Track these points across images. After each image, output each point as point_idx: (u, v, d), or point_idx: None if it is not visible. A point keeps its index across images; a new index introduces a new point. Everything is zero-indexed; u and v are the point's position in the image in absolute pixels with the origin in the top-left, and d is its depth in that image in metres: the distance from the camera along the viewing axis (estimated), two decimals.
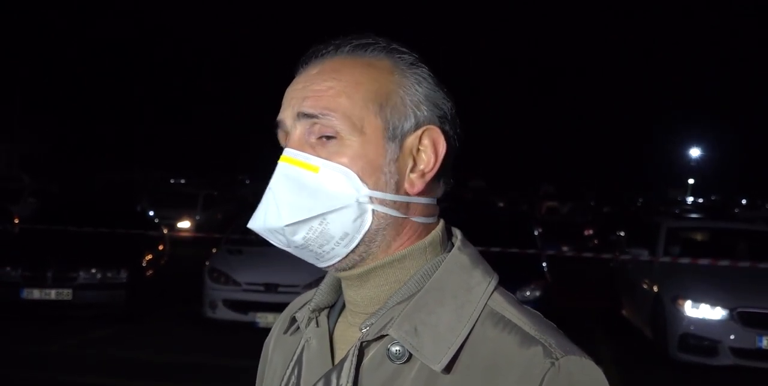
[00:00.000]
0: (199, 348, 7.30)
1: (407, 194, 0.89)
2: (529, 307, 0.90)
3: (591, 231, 19.95)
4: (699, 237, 9.55)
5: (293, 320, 0.99)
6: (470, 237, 0.96)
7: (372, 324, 0.86)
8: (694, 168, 60.23)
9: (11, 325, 7.97)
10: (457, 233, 0.95)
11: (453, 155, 0.92)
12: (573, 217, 23.42)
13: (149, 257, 9.34)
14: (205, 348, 7.33)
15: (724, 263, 7.55)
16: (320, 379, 0.88)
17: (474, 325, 0.85)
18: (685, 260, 7.76)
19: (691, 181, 58.14)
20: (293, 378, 0.94)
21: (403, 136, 0.88)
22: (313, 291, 1.04)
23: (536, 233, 9.18)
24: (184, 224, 18.03)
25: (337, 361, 0.90)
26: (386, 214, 0.87)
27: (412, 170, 0.89)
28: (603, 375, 0.84)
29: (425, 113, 0.89)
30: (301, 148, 0.88)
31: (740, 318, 6.92)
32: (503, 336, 0.84)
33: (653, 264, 8.15)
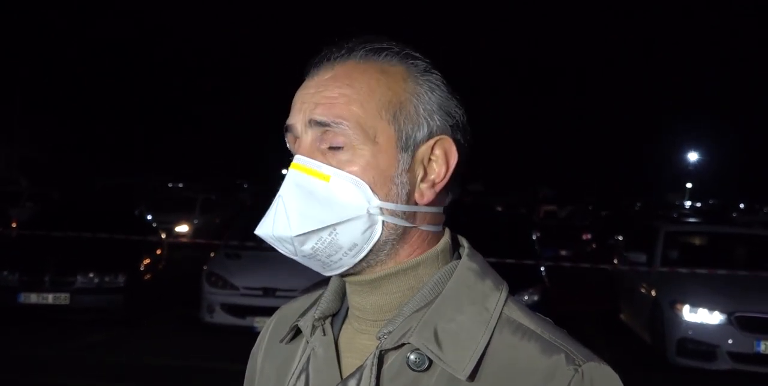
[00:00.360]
0: (196, 353, 7.28)
1: (416, 204, 0.88)
2: (540, 314, 0.90)
3: (589, 236, 19.98)
4: (697, 241, 9.56)
5: (294, 328, 0.97)
6: (469, 240, 0.96)
7: (390, 332, 0.85)
8: (692, 172, 60.30)
9: (9, 330, 7.95)
10: (463, 241, 0.95)
11: (464, 164, 0.91)
12: (571, 221, 23.46)
13: (147, 261, 9.33)
14: (203, 352, 7.32)
15: (722, 272, 7.54)
16: None
17: (493, 332, 0.84)
18: (682, 270, 7.75)
19: (689, 185, 58.19)
20: None
21: (416, 146, 0.87)
22: (304, 297, 1.03)
23: (534, 237, 9.18)
24: (182, 228, 18.01)
25: (345, 369, 0.89)
26: (395, 225, 0.86)
27: (422, 180, 0.88)
28: (621, 382, 0.85)
29: (438, 122, 0.88)
30: (311, 155, 0.86)
31: (738, 322, 6.92)
32: (523, 343, 0.84)
33: (651, 269, 8.15)
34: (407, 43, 0.92)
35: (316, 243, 0.85)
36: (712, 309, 7.04)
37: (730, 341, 6.90)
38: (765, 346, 6.80)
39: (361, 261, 0.87)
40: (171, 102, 42.15)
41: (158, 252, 9.99)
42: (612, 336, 8.88)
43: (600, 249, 17.81)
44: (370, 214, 0.85)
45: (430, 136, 0.88)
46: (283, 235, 0.85)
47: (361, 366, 0.86)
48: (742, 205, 48.15)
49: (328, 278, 0.96)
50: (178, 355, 7.16)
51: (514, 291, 0.90)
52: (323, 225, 0.84)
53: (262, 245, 8.26)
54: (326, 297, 0.96)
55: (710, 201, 55.20)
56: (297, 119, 0.88)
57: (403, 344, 0.84)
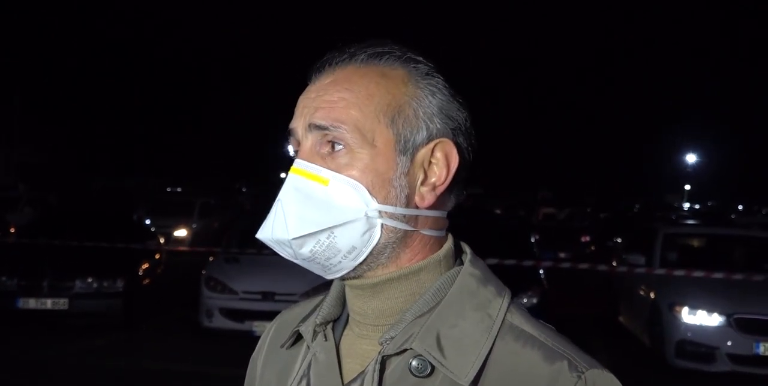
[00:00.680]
0: (195, 357, 7.27)
1: (417, 207, 0.88)
2: (542, 321, 0.90)
3: (588, 238, 19.97)
4: (696, 243, 9.56)
5: (295, 334, 0.97)
6: (468, 243, 0.96)
7: (392, 337, 0.85)
8: (691, 174, 60.37)
9: (7, 335, 7.94)
10: (465, 247, 0.95)
11: (466, 168, 0.91)
12: (570, 223, 23.47)
13: (146, 266, 9.32)
14: (202, 356, 7.31)
15: (720, 274, 7.54)
16: None
17: (495, 339, 0.84)
18: (681, 272, 7.75)
19: (687, 187, 58.24)
20: None
21: (415, 149, 0.87)
22: (305, 303, 1.03)
23: (533, 240, 9.18)
24: (181, 232, 18.00)
25: (346, 375, 0.89)
26: (395, 228, 0.86)
27: (423, 183, 0.88)
28: None
29: (438, 126, 0.88)
30: (311, 159, 0.87)
31: (737, 324, 6.92)
32: (526, 350, 0.84)
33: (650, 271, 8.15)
34: (410, 46, 0.92)
35: (315, 246, 0.85)
36: (711, 311, 7.04)
37: (729, 343, 6.89)
38: (764, 348, 6.79)
39: (361, 264, 0.87)
40: (171, 102, 42.16)
41: (157, 256, 9.98)
42: (611, 338, 8.88)
43: (599, 251, 17.78)
44: (368, 217, 0.85)
45: (429, 139, 0.87)
46: (282, 238, 0.86)
47: (363, 371, 0.86)
48: (740, 207, 48.21)
49: (328, 282, 0.96)
50: (177, 360, 7.15)
51: (513, 293, 0.90)
52: (320, 228, 0.84)
53: (261, 249, 8.22)
54: (328, 303, 0.96)
55: (709, 203, 55.27)
56: (298, 123, 0.89)
57: (406, 350, 0.84)
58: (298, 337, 0.97)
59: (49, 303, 8.18)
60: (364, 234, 0.85)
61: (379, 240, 0.86)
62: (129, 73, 39.81)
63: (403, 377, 0.84)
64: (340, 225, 0.84)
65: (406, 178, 0.87)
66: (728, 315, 6.96)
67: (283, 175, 0.92)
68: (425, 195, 0.88)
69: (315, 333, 0.94)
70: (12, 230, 12.62)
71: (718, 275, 7.53)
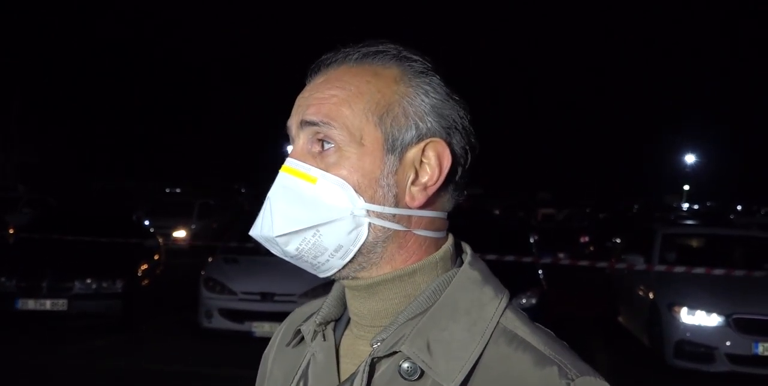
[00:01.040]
0: (195, 358, 7.27)
1: (408, 207, 0.87)
2: (540, 325, 0.89)
3: (587, 238, 20.00)
4: (695, 243, 9.57)
5: (297, 333, 0.97)
6: (467, 243, 0.95)
7: (383, 339, 0.85)
8: (690, 174, 60.40)
9: (6, 336, 7.93)
10: (466, 248, 0.94)
11: (465, 167, 0.90)
12: (569, 224, 23.48)
13: (145, 267, 9.31)
14: (201, 357, 7.31)
15: (719, 272, 7.55)
16: None
17: (487, 343, 0.83)
18: (680, 269, 7.76)
19: (686, 188, 58.27)
20: None
21: (404, 148, 0.86)
22: (315, 302, 1.03)
23: (532, 240, 9.18)
24: (180, 233, 18.00)
25: (343, 375, 0.89)
26: (384, 227, 0.86)
27: (413, 183, 0.87)
28: None
29: (429, 125, 0.87)
30: (303, 158, 0.87)
31: (736, 324, 6.92)
32: (517, 355, 0.82)
33: (649, 271, 8.16)
34: (410, 45, 0.91)
35: (300, 244, 0.86)
36: (710, 311, 7.04)
37: (728, 343, 6.90)
38: (763, 348, 6.80)
39: (350, 262, 0.87)
40: (171, 102, 42.14)
41: (156, 257, 9.98)
42: (610, 338, 8.89)
43: (598, 251, 17.81)
44: (354, 216, 0.84)
45: (420, 139, 0.86)
46: (268, 236, 0.86)
47: (354, 372, 0.86)
48: (739, 207, 48.22)
49: (327, 283, 0.97)
50: (176, 360, 7.15)
51: (512, 294, 0.90)
52: (305, 226, 0.85)
53: (260, 250, 8.18)
54: (328, 303, 0.96)
55: (708, 204, 55.28)
56: (292, 121, 0.90)
57: (396, 352, 0.84)
58: (303, 336, 0.97)
59: (48, 304, 8.17)
60: (351, 232, 0.85)
61: (366, 238, 0.85)
62: (129, 73, 39.76)
63: (393, 379, 0.83)
64: (325, 223, 0.84)
65: (394, 178, 0.86)
66: (727, 316, 6.96)
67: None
68: (416, 195, 0.87)
69: (315, 333, 0.94)
70: (11, 231, 12.60)
71: (718, 273, 7.54)
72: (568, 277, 11.55)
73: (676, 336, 7.12)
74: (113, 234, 9.29)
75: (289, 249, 0.86)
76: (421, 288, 0.87)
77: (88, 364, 6.92)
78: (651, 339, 7.71)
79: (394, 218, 0.86)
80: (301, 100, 0.90)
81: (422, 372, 0.82)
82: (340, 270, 0.87)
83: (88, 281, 8.32)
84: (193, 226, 18.56)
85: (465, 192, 0.93)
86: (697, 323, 7.06)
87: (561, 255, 16.63)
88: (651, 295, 7.81)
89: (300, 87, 0.93)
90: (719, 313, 7.00)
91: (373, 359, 0.85)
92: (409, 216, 0.87)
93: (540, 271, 8.19)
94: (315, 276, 0.91)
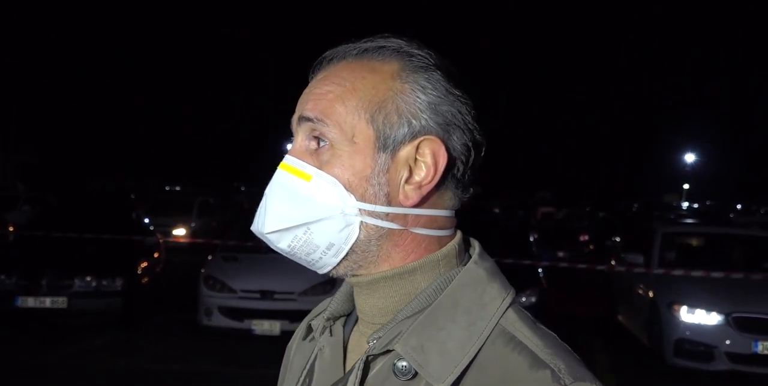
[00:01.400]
0: (194, 356, 7.28)
1: (402, 206, 0.85)
2: (543, 327, 0.87)
3: (587, 237, 19.98)
4: (694, 242, 9.58)
5: (309, 327, 0.98)
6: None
7: (379, 337, 0.84)
8: (689, 173, 60.39)
9: (6, 333, 7.94)
10: (475, 245, 0.92)
11: (468, 165, 0.89)
12: (569, 223, 23.44)
13: (145, 265, 9.32)
14: (201, 355, 7.31)
15: (718, 274, 7.55)
16: None
17: (484, 344, 0.81)
18: (680, 271, 7.75)
19: (686, 187, 58.26)
20: None
21: (396, 146, 0.85)
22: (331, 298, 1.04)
23: (532, 239, 9.19)
24: (180, 232, 18.00)
25: (348, 370, 0.89)
26: (377, 226, 0.85)
27: (407, 181, 0.85)
28: None
29: (423, 122, 0.85)
30: (300, 155, 0.87)
31: (736, 323, 6.93)
32: (513, 357, 0.80)
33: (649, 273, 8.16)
34: (414, 40, 0.90)
35: (292, 241, 0.86)
36: (709, 309, 7.04)
37: (727, 342, 6.90)
38: (762, 347, 6.80)
39: (344, 260, 0.87)
40: (171, 102, 42.15)
41: (156, 255, 9.99)
42: (610, 337, 8.89)
43: (597, 250, 17.80)
44: (344, 214, 0.84)
45: (413, 136, 0.85)
46: (261, 232, 0.87)
47: (350, 370, 0.86)
48: (739, 206, 48.21)
49: (326, 281, 0.97)
50: (176, 358, 7.15)
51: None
52: (295, 224, 0.85)
53: (260, 248, 8.18)
54: (336, 299, 0.96)
55: (707, 203, 55.25)
56: (294, 118, 0.90)
57: (390, 350, 0.83)
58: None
59: (47, 302, 8.18)
60: (342, 231, 0.84)
61: (358, 237, 0.85)
62: (129, 73, 39.79)
63: (387, 378, 0.82)
64: (316, 221, 0.85)
65: (386, 176, 0.85)
66: (727, 314, 6.96)
67: None
68: (409, 194, 0.85)
69: (324, 328, 0.94)
70: (11, 228, 12.61)
71: (717, 274, 7.54)
72: (568, 277, 11.55)
73: (675, 335, 7.12)
74: (113, 233, 9.29)
75: (281, 246, 0.87)
76: (421, 287, 0.87)
77: (88, 363, 6.92)
78: (651, 338, 7.72)
79: (387, 217, 0.85)
80: (302, 96, 0.90)
81: (417, 372, 0.81)
82: (335, 267, 0.87)
83: (88, 279, 8.33)
84: (193, 224, 18.56)
85: (471, 189, 0.91)
86: (696, 322, 7.07)
87: (561, 253, 16.68)
88: (651, 294, 7.82)
89: (300, 86, 0.94)
90: (719, 312, 7.00)
91: (368, 357, 0.84)
92: (405, 215, 0.86)
93: (539, 270, 8.20)
94: (315, 275, 0.92)
